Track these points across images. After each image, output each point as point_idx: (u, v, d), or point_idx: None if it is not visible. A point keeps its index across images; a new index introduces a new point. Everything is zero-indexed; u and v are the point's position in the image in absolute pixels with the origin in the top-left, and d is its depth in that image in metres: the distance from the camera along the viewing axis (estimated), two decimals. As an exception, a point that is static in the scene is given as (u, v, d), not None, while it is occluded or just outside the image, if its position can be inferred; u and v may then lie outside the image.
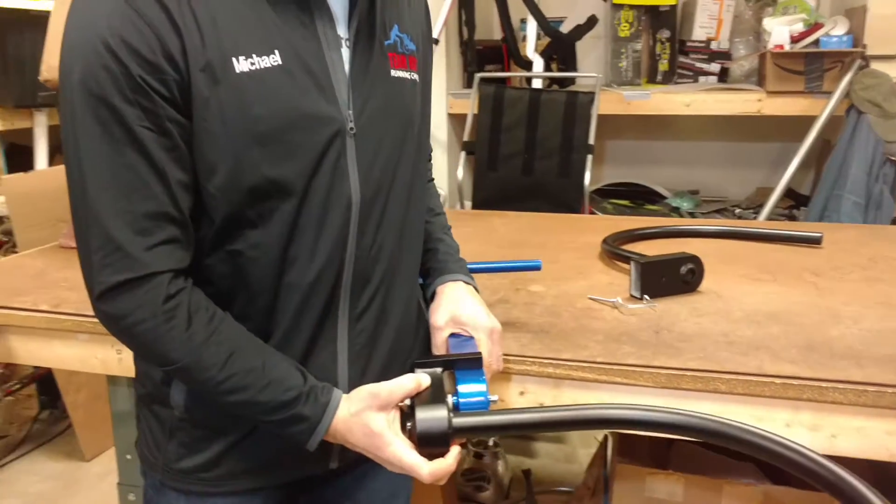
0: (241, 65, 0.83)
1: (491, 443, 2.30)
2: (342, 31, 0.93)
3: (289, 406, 0.89)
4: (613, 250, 1.70)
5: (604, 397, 1.19)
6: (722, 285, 1.54)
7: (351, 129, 0.92)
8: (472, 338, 1.06)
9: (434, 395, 0.92)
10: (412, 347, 1.09)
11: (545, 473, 2.54)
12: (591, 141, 2.88)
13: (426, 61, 1.09)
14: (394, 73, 0.98)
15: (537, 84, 3.11)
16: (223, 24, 0.82)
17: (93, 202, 0.81)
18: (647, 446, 1.69)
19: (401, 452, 0.89)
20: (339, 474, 1.09)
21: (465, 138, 3.04)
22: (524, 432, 1.10)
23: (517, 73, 3.21)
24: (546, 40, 3.21)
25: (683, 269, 1.49)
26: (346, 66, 0.92)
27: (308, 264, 0.92)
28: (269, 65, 0.85)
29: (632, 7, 3.28)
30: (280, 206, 0.89)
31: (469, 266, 1.21)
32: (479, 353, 0.99)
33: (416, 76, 1.02)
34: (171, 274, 0.84)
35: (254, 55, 0.84)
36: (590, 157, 2.87)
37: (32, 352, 1.49)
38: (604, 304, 1.44)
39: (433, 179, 1.30)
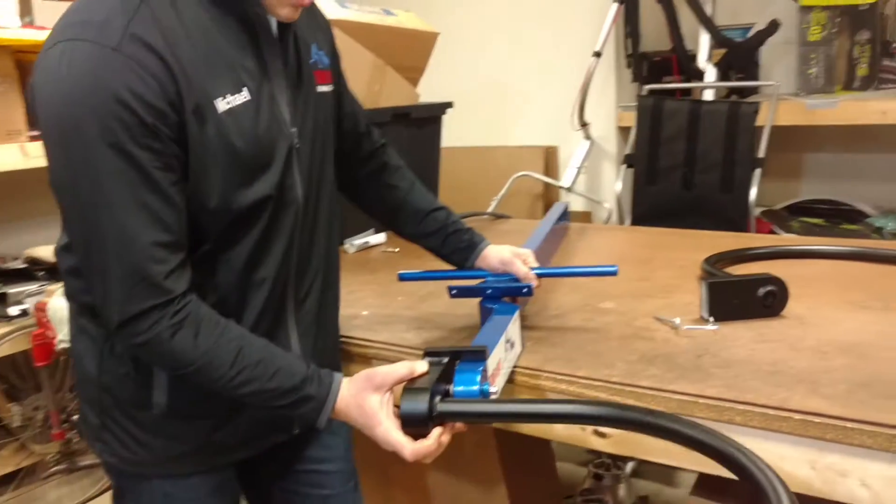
0: (221, 105, 0.95)
1: (613, 466, 2.23)
2: (280, 60, 1.04)
3: (297, 389, 0.99)
4: (708, 269, 1.59)
5: (612, 418, 1.14)
6: (814, 311, 1.39)
7: (296, 143, 1.05)
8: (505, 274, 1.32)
9: (428, 380, 0.98)
10: (338, 321, 1.27)
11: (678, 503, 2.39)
12: (761, 154, 2.67)
13: (337, 71, 1.23)
14: (318, 88, 1.13)
15: (708, 95, 2.95)
16: (203, 68, 0.93)
17: (113, 242, 0.90)
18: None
19: (388, 432, 0.97)
20: (300, 438, 1.21)
21: (627, 151, 2.96)
22: (504, 422, 1.13)
23: (686, 85, 3.06)
24: (724, 49, 3.03)
25: (761, 292, 1.37)
26: (286, 90, 1.05)
27: (270, 263, 1.05)
28: (240, 101, 0.97)
29: (824, 8, 2.99)
30: (260, 215, 1.01)
31: (543, 271, 1.37)
32: (484, 347, 1.04)
33: (331, 87, 1.18)
34: (184, 293, 0.95)
35: (228, 95, 0.96)
36: (758, 171, 2.66)
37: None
38: (664, 325, 1.36)
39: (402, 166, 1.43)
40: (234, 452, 1.13)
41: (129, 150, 0.87)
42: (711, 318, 1.35)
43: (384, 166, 1.40)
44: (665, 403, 1.09)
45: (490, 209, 2.94)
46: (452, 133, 3.60)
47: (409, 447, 0.97)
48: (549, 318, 1.44)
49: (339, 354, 1.33)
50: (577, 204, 3.41)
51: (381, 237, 2.11)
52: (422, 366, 1.01)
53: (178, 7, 0.93)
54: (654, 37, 3.22)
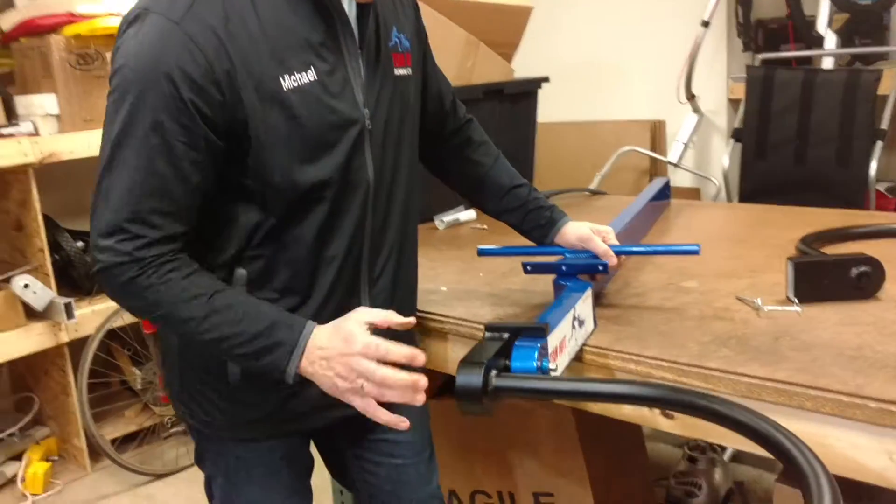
0: (287, 83, 0.99)
1: (709, 449, 2.17)
2: (356, 41, 1.06)
3: (264, 334, 1.00)
4: (801, 249, 1.52)
5: (678, 399, 1.12)
6: (916, 294, 1.30)
7: (368, 125, 1.07)
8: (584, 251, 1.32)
9: (485, 354, 0.98)
10: (415, 300, 1.29)
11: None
12: (883, 125, 2.50)
13: (421, 52, 1.24)
14: (396, 71, 1.13)
15: (828, 64, 2.78)
16: (269, 48, 0.97)
17: (118, 193, 0.96)
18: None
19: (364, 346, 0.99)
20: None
21: (736, 125, 2.84)
22: (559, 399, 1.11)
23: (803, 53, 2.89)
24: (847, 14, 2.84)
25: (854, 273, 1.29)
26: (362, 71, 1.07)
27: (339, 240, 1.08)
28: (307, 80, 1.01)
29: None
30: (324, 193, 1.05)
31: (622, 249, 1.34)
32: (545, 324, 1.04)
33: (411, 71, 1.18)
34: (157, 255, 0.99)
35: (295, 73, 1.00)
36: (879, 144, 2.50)
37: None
38: (746, 305, 1.32)
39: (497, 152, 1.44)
40: (303, 421, 1.18)
41: (160, 119, 0.93)
42: (796, 300, 1.29)
43: (468, 142, 1.41)
44: (733, 386, 1.06)
45: (593, 185, 2.90)
46: (554, 108, 3.56)
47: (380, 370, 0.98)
48: (628, 297, 1.42)
49: (414, 331, 1.35)
50: (685, 180, 3.31)
51: (471, 214, 2.13)
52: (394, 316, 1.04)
53: None
54: (770, 2, 3.06)
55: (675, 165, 3.12)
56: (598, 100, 3.52)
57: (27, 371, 2.83)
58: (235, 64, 0.95)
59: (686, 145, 3.12)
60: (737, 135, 2.80)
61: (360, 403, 1.02)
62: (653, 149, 3.31)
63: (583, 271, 1.32)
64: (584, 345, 1.21)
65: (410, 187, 1.21)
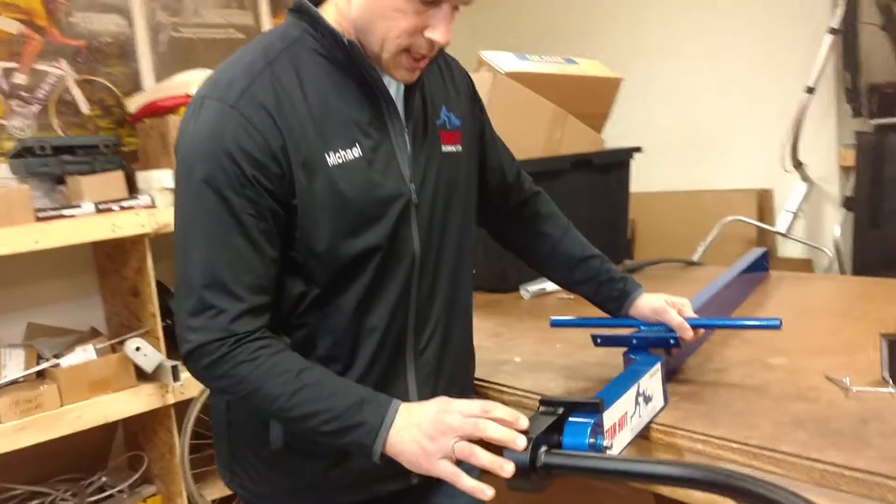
0: (332, 159, 1.03)
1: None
2: (403, 119, 1.10)
3: (352, 409, 0.99)
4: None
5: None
6: None
7: (414, 199, 1.10)
8: (659, 324, 1.28)
9: (535, 429, 0.96)
10: (469, 371, 1.27)
11: None
12: None
13: (476, 128, 1.27)
14: (444, 148, 1.16)
15: (948, 128, 2.62)
16: (316, 127, 1.02)
17: (199, 275, 0.99)
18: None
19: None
20: (421, 488, 1.19)
21: (847, 193, 2.71)
22: (609, 479, 1.05)
23: (919, 117, 2.73)
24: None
25: (956, 352, 1.19)
26: (409, 147, 1.10)
27: (381, 311, 1.09)
28: (352, 157, 1.05)
29: None
30: (367, 265, 1.07)
31: (700, 322, 1.29)
32: (600, 400, 1.01)
33: (460, 148, 1.20)
34: (248, 332, 1.01)
35: (340, 150, 1.04)
36: None
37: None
38: (835, 385, 1.23)
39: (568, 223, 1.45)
40: (348, 493, 1.16)
41: (226, 194, 0.98)
42: (891, 380, 1.20)
43: (535, 215, 1.41)
44: (807, 473, 0.99)
45: (696, 256, 2.81)
46: (656, 177, 3.52)
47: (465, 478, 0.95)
48: (707, 373, 1.36)
49: None
50: (795, 251, 3.16)
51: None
52: (507, 412, 0.97)
53: (300, 72, 1.03)
54: (882, 66, 2.93)
55: (784, 235, 2.99)
56: (702, 168, 3.44)
57: (140, 430, 2.97)
58: (286, 141, 1.00)
59: (795, 214, 2.99)
60: (849, 203, 2.67)
61: (446, 470, 0.97)
62: (760, 218, 3.18)
63: (654, 345, 1.27)
64: (651, 422, 1.16)
65: (459, 260, 1.20)
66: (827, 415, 1.12)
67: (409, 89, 1.11)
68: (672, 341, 1.26)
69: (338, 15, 1.07)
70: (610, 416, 1.03)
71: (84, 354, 2.55)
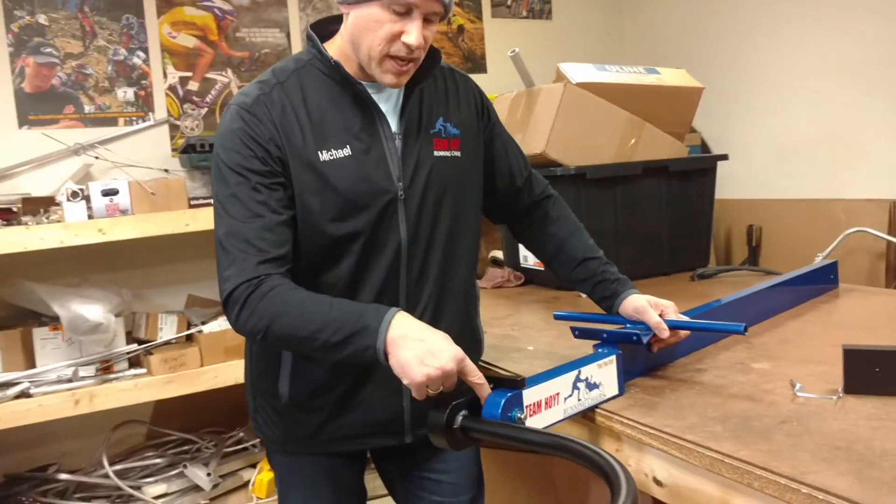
0: (324, 156, 1.27)
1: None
2: (395, 127, 1.32)
3: (353, 318, 1.17)
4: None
5: (674, 471, 1.15)
6: None
7: (401, 195, 1.30)
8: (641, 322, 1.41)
9: (462, 398, 1.15)
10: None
11: None
12: None
13: (480, 137, 1.45)
14: (436, 153, 1.34)
15: None
16: (313, 130, 1.27)
17: (229, 237, 1.24)
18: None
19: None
20: (415, 448, 1.40)
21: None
22: (507, 445, 1.18)
23: None
24: None
25: (910, 366, 1.21)
26: (399, 151, 1.30)
27: (370, 287, 1.31)
28: (342, 155, 1.28)
29: None
30: (351, 246, 1.29)
31: (675, 322, 1.41)
32: (521, 379, 1.17)
33: (457, 153, 1.37)
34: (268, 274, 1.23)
35: (332, 150, 1.27)
36: None
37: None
38: (790, 390, 1.28)
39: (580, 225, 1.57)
40: (343, 444, 1.38)
41: (243, 172, 1.24)
42: (841, 389, 1.23)
43: (545, 216, 1.56)
44: (699, 458, 1.09)
45: (815, 264, 2.75)
46: (787, 185, 3.43)
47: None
48: (686, 371, 1.45)
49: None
50: (927, 266, 2.97)
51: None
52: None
53: (305, 88, 1.29)
54: None
55: (912, 250, 2.84)
56: (836, 176, 3.31)
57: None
58: (283, 138, 1.25)
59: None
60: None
61: (423, 386, 1.12)
62: (890, 231, 3.02)
63: (621, 340, 1.39)
64: (595, 407, 1.29)
65: (451, 250, 1.38)
66: (756, 414, 1.19)
67: (406, 101, 1.32)
68: (634, 338, 1.37)
69: (341, 40, 1.32)
70: (534, 394, 1.18)
71: (223, 323, 2.97)
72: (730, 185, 3.68)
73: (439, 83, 1.42)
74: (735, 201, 3.64)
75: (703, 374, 1.42)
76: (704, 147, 3.80)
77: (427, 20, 1.24)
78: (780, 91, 3.51)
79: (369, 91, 1.30)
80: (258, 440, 3.25)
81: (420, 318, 1.32)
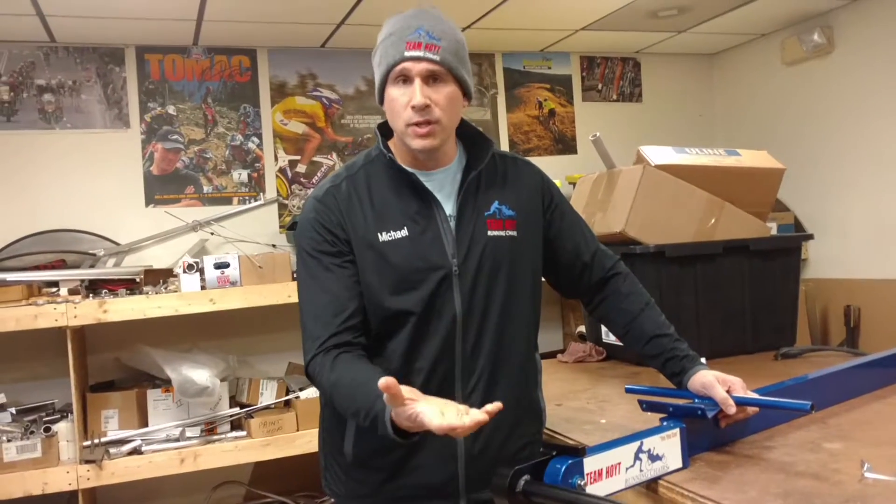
0: (383, 237, 1.42)
1: None
2: (450, 209, 1.46)
3: (369, 405, 1.26)
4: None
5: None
6: None
7: (455, 270, 1.42)
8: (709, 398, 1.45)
9: (525, 464, 1.22)
10: (518, 421, 1.48)
11: None
12: None
13: (539, 218, 1.55)
14: (490, 233, 1.45)
15: None
16: (375, 215, 1.42)
17: (308, 313, 1.41)
18: None
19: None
20: None
21: None
22: None
23: None
24: None
25: (981, 450, 1.20)
26: (453, 231, 1.44)
27: (428, 356, 1.42)
28: (400, 236, 1.42)
29: None
30: (409, 318, 1.42)
31: (742, 399, 1.45)
32: (582, 447, 1.24)
33: (512, 233, 1.47)
34: (336, 345, 1.37)
35: (392, 231, 1.42)
36: None
37: None
38: (860, 471, 1.29)
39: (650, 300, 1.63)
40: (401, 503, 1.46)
41: (316, 254, 1.42)
42: (910, 471, 1.24)
43: (615, 292, 1.64)
44: (754, 532, 1.11)
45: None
46: (879, 263, 3.35)
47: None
48: (754, 448, 1.46)
49: None
50: None
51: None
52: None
53: (370, 179, 1.46)
54: None
55: None
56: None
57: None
58: (349, 223, 1.42)
59: None
60: None
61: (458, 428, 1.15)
62: None
63: (686, 414, 1.43)
64: (658, 478, 1.33)
65: (505, 323, 1.47)
66: (819, 492, 1.21)
67: (460, 188, 1.46)
68: (700, 412, 1.41)
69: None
70: (595, 462, 1.24)
71: (319, 391, 3.12)
72: (826, 264, 3.63)
73: (499, 169, 1.54)
74: (832, 280, 3.58)
75: (771, 451, 1.44)
76: (798, 226, 3.76)
77: (431, 81, 1.39)
78: (877, 168, 3.47)
79: (422, 178, 1.45)
80: None
81: (475, 386, 1.44)
